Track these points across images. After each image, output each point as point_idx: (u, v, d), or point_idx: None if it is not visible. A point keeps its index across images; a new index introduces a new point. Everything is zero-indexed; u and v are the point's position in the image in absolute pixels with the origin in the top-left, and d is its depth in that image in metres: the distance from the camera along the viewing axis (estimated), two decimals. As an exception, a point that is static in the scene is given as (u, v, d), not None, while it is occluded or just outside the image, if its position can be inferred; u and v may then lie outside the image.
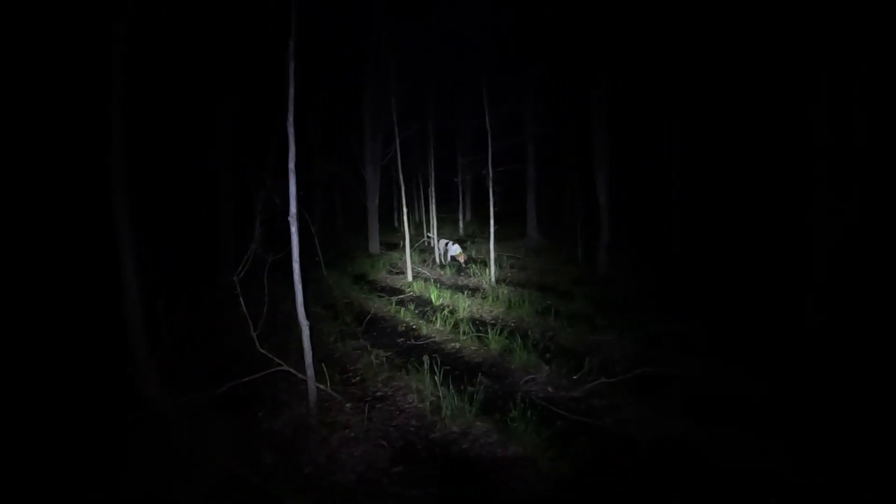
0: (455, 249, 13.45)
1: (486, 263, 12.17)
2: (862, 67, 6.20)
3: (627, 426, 4.63)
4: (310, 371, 5.13)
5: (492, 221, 11.64)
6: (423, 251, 15.39)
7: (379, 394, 5.64)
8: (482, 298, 9.78)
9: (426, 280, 11.71)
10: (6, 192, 7.37)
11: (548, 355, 6.44)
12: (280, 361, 5.49)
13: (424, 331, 7.99)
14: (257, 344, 5.54)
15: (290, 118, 4.97)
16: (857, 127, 6.26)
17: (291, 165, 5.00)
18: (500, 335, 7.00)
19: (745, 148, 10.82)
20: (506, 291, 10.00)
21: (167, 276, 7.52)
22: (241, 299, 5.42)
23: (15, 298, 7.08)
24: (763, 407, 4.81)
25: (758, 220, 11.06)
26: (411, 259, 12.37)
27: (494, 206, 11.86)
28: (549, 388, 5.58)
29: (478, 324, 7.99)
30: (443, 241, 14.16)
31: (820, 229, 6.53)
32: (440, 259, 14.03)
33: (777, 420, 4.56)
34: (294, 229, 5.02)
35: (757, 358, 5.95)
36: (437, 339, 7.54)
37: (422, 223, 20.48)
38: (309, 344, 5.11)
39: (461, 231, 20.27)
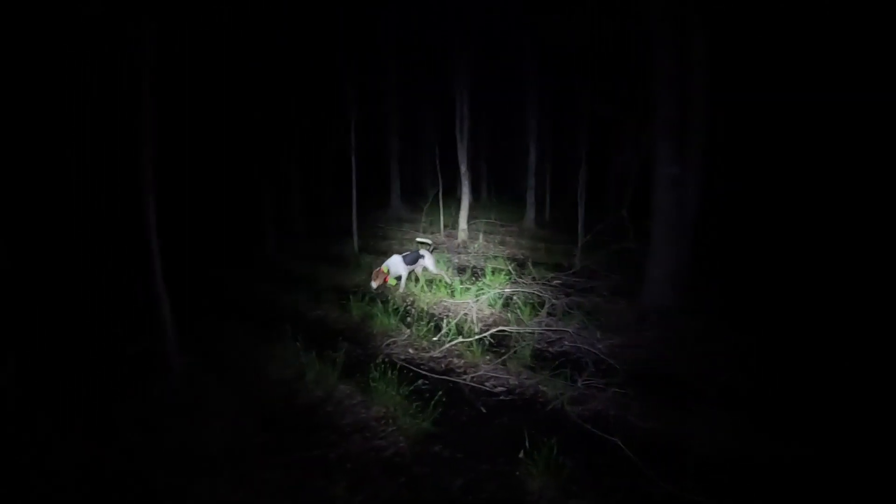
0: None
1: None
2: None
3: (484, 381, 4.99)
4: (172, 346, 4.96)
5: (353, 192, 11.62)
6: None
7: (243, 364, 5.52)
8: (345, 267, 9.83)
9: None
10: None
11: (408, 319, 6.68)
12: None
13: (286, 301, 7.89)
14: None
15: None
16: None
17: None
18: (361, 301, 7.13)
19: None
20: (368, 259, 10.12)
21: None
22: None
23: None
24: (603, 360, 5.42)
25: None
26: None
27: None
28: (410, 350, 5.82)
29: (339, 291, 8.06)
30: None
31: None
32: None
33: (608, 370, 5.18)
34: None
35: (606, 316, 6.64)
36: (299, 308, 7.50)
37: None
38: (170, 318, 4.94)
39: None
